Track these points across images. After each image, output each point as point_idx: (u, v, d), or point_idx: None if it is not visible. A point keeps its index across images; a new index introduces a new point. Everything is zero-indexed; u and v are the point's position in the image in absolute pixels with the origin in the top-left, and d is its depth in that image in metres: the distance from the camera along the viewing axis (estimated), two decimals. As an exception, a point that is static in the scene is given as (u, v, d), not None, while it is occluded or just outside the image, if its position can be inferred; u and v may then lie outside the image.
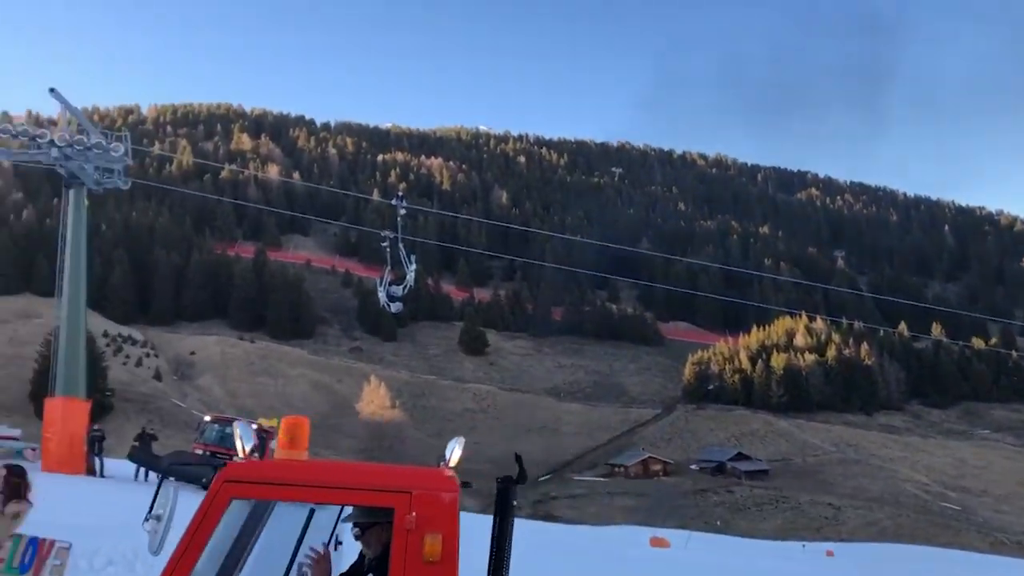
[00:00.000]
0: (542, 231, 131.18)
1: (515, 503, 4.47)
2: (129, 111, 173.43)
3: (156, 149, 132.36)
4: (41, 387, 64.93)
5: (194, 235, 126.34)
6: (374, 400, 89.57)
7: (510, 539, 4.40)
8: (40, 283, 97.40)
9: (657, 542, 28.75)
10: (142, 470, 28.69)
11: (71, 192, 31.20)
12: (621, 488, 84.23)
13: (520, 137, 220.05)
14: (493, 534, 4.43)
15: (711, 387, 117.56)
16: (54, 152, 29.65)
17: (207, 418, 32.00)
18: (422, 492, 4.01)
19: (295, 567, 4.73)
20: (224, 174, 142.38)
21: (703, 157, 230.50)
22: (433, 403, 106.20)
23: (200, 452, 28.89)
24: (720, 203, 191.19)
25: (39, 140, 30.38)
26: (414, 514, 3.96)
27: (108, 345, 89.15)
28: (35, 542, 8.01)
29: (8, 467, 8.40)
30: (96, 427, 30.07)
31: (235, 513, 4.17)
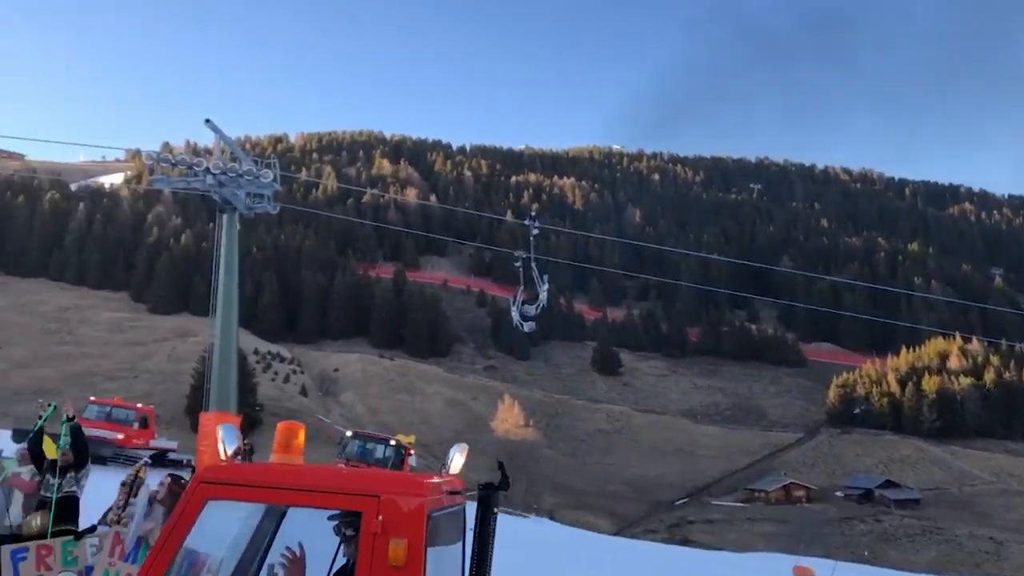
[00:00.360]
0: (677, 249, 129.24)
1: (496, 510, 4.41)
2: (278, 139, 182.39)
3: (303, 175, 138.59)
4: (196, 401, 68.65)
5: (338, 257, 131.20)
6: (508, 419, 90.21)
7: (491, 546, 4.35)
8: (197, 303, 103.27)
9: (802, 571, 27.55)
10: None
11: (224, 217, 32.87)
12: (761, 514, 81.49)
13: (654, 155, 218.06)
14: (474, 540, 4.39)
15: (857, 411, 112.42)
16: (209, 179, 31.30)
17: (349, 433, 33.00)
18: (389, 497, 4.00)
19: (265, 568, 4.70)
20: (366, 198, 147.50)
21: (847, 172, 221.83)
22: (567, 423, 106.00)
23: (343, 466, 29.85)
24: (865, 219, 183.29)
25: (196, 168, 32.19)
26: (380, 518, 3.95)
27: (258, 362, 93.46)
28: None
29: (172, 476, 8.92)
30: (245, 440, 31.38)
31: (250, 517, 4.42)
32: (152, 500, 8.57)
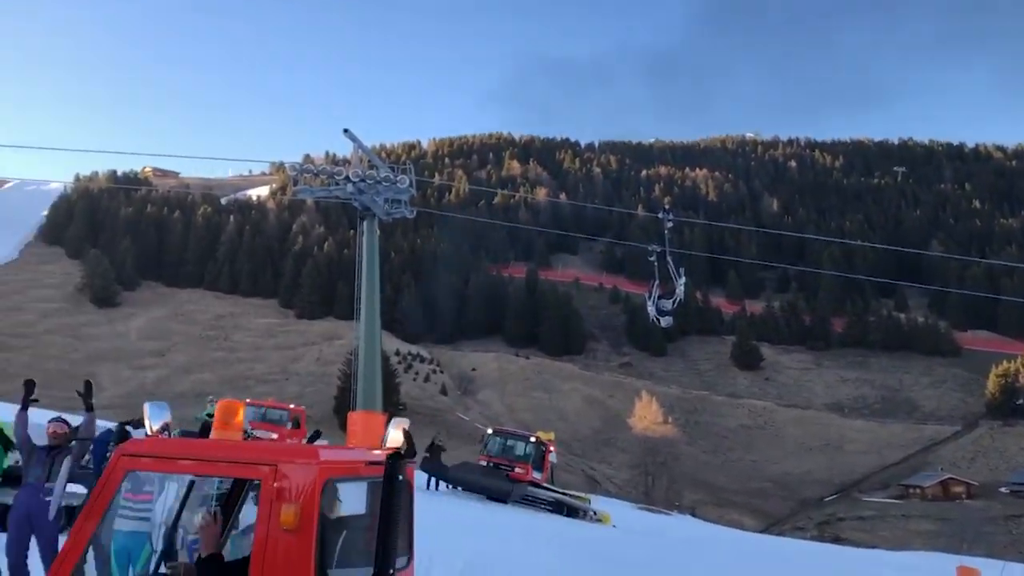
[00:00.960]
0: (818, 237, 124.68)
1: (401, 478, 4.50)
2: (411, 146, 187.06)
3: (436, 180, 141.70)
4: (344, 402, 71.30)
5: (471, 258, 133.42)
6: (646, 415, 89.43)
7: (396, 515, 4.46)
8: (341, 307, 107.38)
9: (967, 572, 26.05)
10: (433, 479, 30.60)
11: (365, 223, 34.12)
12: (917, 511, 77.62)
13: (790, 141, 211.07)
14: (380, 510, 4.49)
15: (1020, 401, 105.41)
16: (349, 187, 32.53)
17: (489, 431, 33.52)
18: (284, 466, 4.27)
19: (180, 532, 5.00)
20: (497, 199, 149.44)
21: (1000, 149, 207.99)
22: (706, 419, 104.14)
23: (484, 463, 30.37)
24: (1023, 198, 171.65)
25: (337, 177, 33.57)
26: (275, 485, 4.25)
27: (400, 363, 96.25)
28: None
29: None
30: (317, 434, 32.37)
31: None
32: None
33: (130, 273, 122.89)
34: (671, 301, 26.90)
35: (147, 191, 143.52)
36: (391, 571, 4.50)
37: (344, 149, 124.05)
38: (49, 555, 7.59)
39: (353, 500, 4.96)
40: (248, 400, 38.61)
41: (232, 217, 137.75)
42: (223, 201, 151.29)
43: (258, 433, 31.96)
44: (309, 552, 4.16)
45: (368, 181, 32.47)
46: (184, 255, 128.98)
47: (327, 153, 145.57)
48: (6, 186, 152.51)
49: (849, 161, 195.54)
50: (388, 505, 4.50)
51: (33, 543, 7.84)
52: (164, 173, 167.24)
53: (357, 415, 31.79)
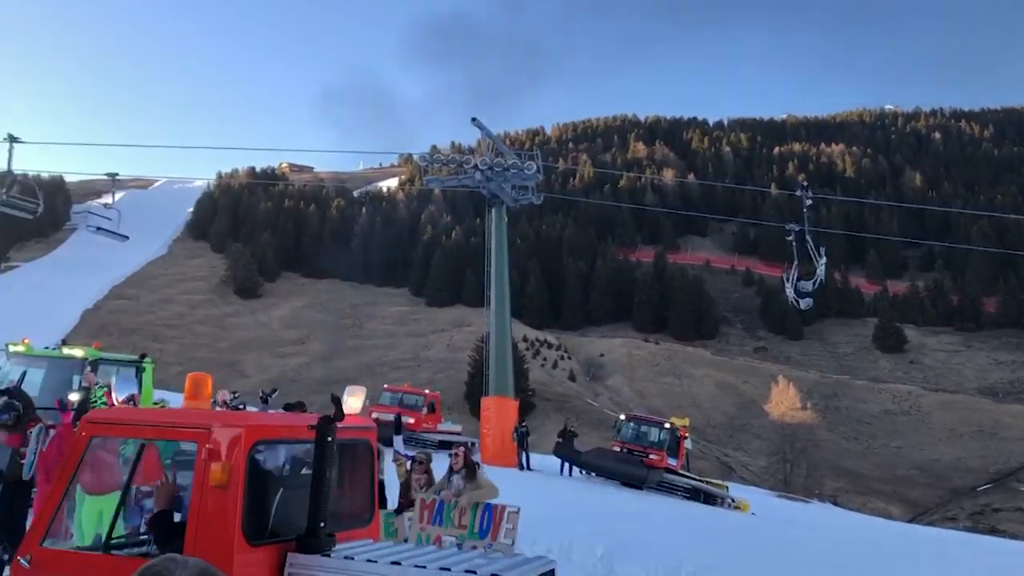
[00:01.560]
0: (966, 211, 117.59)
1: (331, 440, 4.99)
2: (535, 133, 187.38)
3: (560, 165, 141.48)
4: (474, 388, 72.34)
5: (597, 243, 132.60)
6: (783, 401, 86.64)
7: (327, 474, 4.94)
8: (469, 295, 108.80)
9: None
10: (566, 465, 30.56)
11: (493, 210, 34.40)
12: (1084, 503, 72.50)
13: (933, 112, 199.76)
14: (313, 470, 5.02)
15: None
16: (477, 176, 32.92)
17: (622, 417, 33.22)
18: (216, 430, 4.87)
19: (134, 493, 5.47)
20: (622, 182, 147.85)
21: None
22: (847, 404, 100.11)
23: (617, 449, 30.13)
24: None
25: (465, 166, 33.96)
26: (207, 446, 4.82)
27: (527, 349, 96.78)
28: (490, 508, 8.91)
29: (465, 447, 9.64)
30: (523, 423, 32.60)
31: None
32: (451, 469, 9.26)
33: (270, 265, 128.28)
34: (811, 282, 25.85)
35: (284, 186, 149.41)
36: (321, 526, 4.92)
37: (470, 138, 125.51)
38: None
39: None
40: (385, 385, 39.73)
41: (364, 209, 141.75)
42: (355, 193, 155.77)
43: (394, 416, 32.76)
44: (236, 506, 4.72)
45: (496, 169, 32.73)
46: (320, 246, 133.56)
47: (453, 143, 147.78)
48: (155, 185, 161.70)
49: (1000, 130, 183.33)
50: (319, 465, 4.99)
51: None
52: (300, 168, 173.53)
53: (490, 400, 32.21)
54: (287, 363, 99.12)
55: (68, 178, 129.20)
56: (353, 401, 6.06)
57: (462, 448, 10.00)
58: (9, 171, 26.16)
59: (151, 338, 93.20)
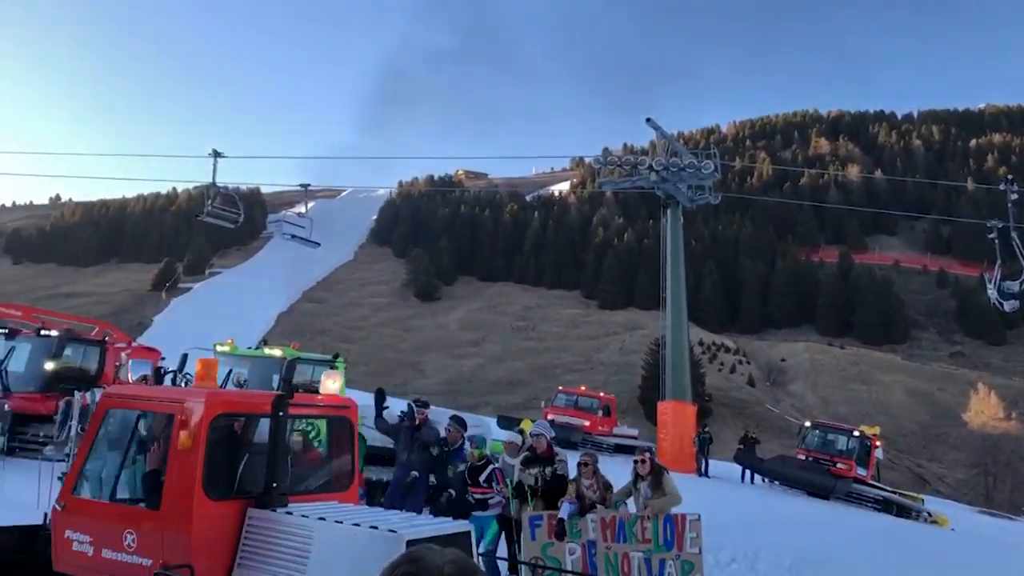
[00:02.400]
0: None
1: (283, 414, 5.98)
2: (710, 131, 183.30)
3: (737, 163, 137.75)
4: (648, 391, 71.57)
5: (777, 243, 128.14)
6: (984, 410, 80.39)
7: (281, 444, 6.00)
8: (641, 297, 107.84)
9: None
10: (747, 472, 29.66)
11: (668, 211, 33.93)
12: None
13: None
14: (269, 440, 6.00)
15: None
16: (652, 176, 32.57)
17: (807, 424, 31.90)
18: (187, 403, 5.99)
19: (131, 457, 6.50)
20: (803, 180, 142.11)
21: None
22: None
23: (803, 458, 28.94)
24: None
25: (640, 167, 33.67)
26: (179, 418, 5.90)
27: (703, 353, 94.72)
28: (670, 518, 8.77)
29: (651, 452, 9.53)
30: (705, 428, 31.91)
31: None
32: (637, 475, 9.10)
33: (448, 269, 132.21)
34: (1018, 282, 24.00)
35: (460, 192, 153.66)
36: (274, 487, 5.91)
37: (642, 140, 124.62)
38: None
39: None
40: (561, 388, 39.95)
41: (536, 213, 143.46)
42: (528, 198, 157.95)
43: (570, 420, 32.91)
44: (198, 466, 5.74)
45: (671, 169, 32.27)
46: (494, 250, 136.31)
47: (625, 145, 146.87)
48: (342, 195, 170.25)
49: None
50: (273, 436, 6.01)
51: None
52: (475, 175, 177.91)
53: (667, 405, 31.76)
54: (464, 364, 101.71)
55: (263, 189, 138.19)
56: (331, 383, 7.25)
57: (647, 453, 9.85)
58: (213, 184, 28.22)
59: (339, 339, 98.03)
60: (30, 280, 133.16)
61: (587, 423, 33.76)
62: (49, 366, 18.32)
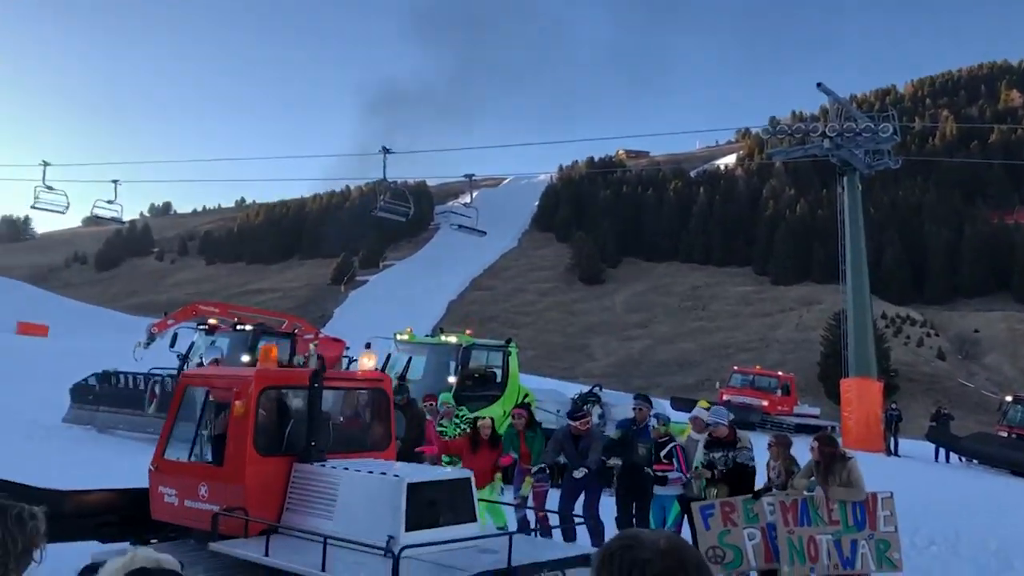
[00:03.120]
0: None
1: (317, 386, 7.34)
2: (885, 92, 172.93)
3: (916, 124, 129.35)
4: (828, 369, 68.69)
5: (964, 207, 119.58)
6: None
7: (318, 411, 7.36)
8: (818, 271, 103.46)
9: None
10: (942, 451, 27.94)
11: (844, 179, 32.30)
12: None
13: None
14: (307, 408, 7.37)
15: None
16: (826, 143, 31.07)
17: (1009, 398, 29.75)
18: (242, 381, 7.39)
19: (204, 427, 7.70)
20: (993, 137, 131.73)
21: None
22: None
23: (1004, 435, 27.01)
24: None
25: (812, 135, 32.24)
26: (235, 390, 7.25)
27: (887, 326, 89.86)
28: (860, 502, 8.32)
29: (819, 437, 9.07)
30: (893, 405, 30.33)
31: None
32: (817, 463, 8.65)
33: (612, 251, 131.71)
34: None
35: (622, 172, 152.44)
36: (312, 445, 7.18)
37: (811, 106, 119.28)
38: (589, 509, 9.87)
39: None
40: (735, 367, 39.00)
41: (702, 189, 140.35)
42: (692, 174, 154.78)
43: (747, 400, 32.09)
44: (249, 430, 7.05)
45: (846, 134, 30.68)
46: (659, 230, 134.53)
47: (793, 112, 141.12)
48: (504, 182, 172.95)
49: None
50: (311, 404, 7.28)
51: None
52: (636, 154, 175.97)
53: (851, 382, 30.31)
54: (632, 346, 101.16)
55: (429, 182, 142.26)
56: (367, 361, 8.54)
57: (817, 441, 9.38)
58: (384, 180, 29.24)
59: (507, 325, 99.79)
60: (222, 279, 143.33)
61: (765, 403, 32.79)
62: (245, 359, 19.69)
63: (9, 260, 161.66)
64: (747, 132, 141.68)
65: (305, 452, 7.21)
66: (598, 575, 1.61)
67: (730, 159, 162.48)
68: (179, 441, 7.82)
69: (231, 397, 7.28)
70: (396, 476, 6.72)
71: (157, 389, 17.86)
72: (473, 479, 7.43)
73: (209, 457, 7.50)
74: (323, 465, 7.11)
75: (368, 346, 19.61)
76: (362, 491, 6.77)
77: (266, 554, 6.33)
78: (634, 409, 10.41)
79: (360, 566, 5.99)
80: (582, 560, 6.66)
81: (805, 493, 8.40)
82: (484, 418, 11.12)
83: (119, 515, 7.72)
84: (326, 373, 7.84)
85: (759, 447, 9.70)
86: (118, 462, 13.49)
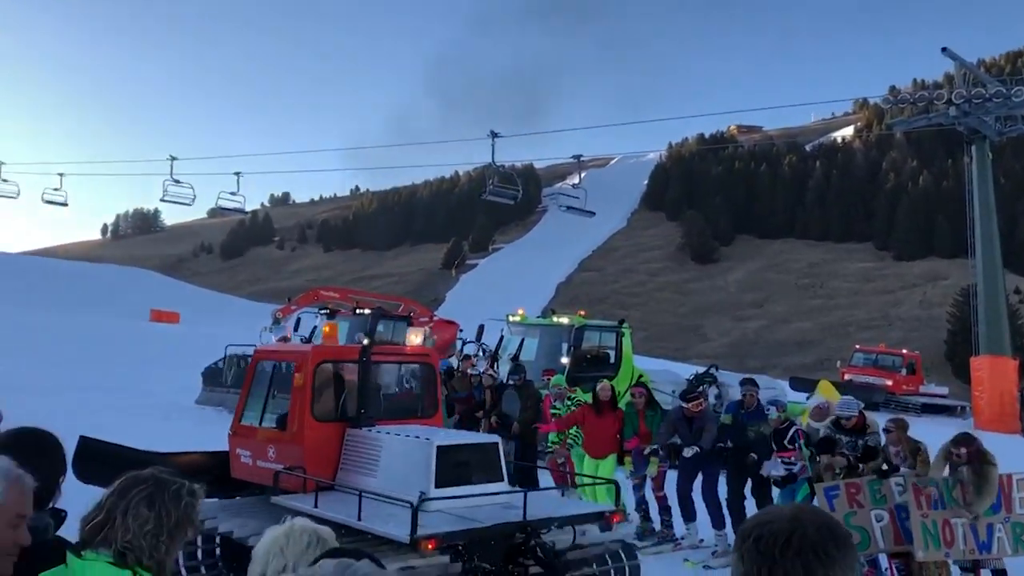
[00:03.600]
0: None
1: (366, 359, 8.30)
2: (1017, 54, 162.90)
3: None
4: (955, 347, 65.66)
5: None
6: None
7: (367, 382, 8.32)
8: (942, 245, 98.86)
9: None
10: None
11: (972, 148, 30.70)
12: None
13: None
14: (358, 379, 8.30)
15: None
16: (951, 111, 29.58)
17: None
18: (301, 355, 8.56)
19: (272, 396, 8.73)
20: None
21: None
22: None
23: None
24: None
25: (936, 103, 30.71)
26: (295, 362, 8.44)
27: (1021, 302, 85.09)
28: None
29: (896, 420, 8.75)
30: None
31: None
32: (952, 464, 8.19)
33: (724, 229, 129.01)
34: None
35: (734, 148, 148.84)
36: (362, 412, 8.08)
37: (934, 73, 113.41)
38: (709, 490, 9.90)
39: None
40: (857, 346, 37.74)
41: (818, 163, 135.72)
42: (807, 148, 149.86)
43: (870, 380, 31.03)
44: (307, 398, 8.06)
45: (975, 101, 29.09)
46: (773, 206, 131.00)
47: (915, 80, 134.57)
48: (612, 162, 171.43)
49: None
50: (362, 375, 8.18)
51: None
52: (748, 129, 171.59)
53: (982, 360, 28.89)
54: (747, 326, 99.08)
55: (537, 164, 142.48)
56: (414, 338, 9.48)
57: (894, 423, 8.91)
58: (492, 164, 29.45)
59: (617, 306, 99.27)
60: (339, 265, 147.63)
61: (889, 382, 31.60)
62: (365, 342, 20.32)
63: (142, 251, 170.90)
64: (865, 103, 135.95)
65: (356, 418, 8.14)
66: (749, 559, 1.54)
67: (847, 131, 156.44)
68: (252, 409, 8.88)
69: (292, 370, 8.38)
70: (427, 439, 7.59)
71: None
72: (500, 445, 8.24)
73: (275, 423, 8.38)
74: (370, 430, 8.05)
75: (481, 328, 20.02)
76: (400, 452, 7.68)
77: (315, 506, 7.11)
78: (743, 394, 10.21)
79: (391, 517, 6.81)
80: (595, 517, 7.79)
81: (938, 475, 8.09)
82: (603, 382, 11.20)
83: (211, 475, 8.40)
84: (377, 347, 9.08)
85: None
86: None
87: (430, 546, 6.47)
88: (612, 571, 7.62)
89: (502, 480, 7.82)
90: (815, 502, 9.16)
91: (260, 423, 8.65)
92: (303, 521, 2.40)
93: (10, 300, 60.50)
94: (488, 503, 7.33)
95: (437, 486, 7.21)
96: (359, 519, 6.82)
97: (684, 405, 10.16)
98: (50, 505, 2.80)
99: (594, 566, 7.51)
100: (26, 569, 2.33)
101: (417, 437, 7.71)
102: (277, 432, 8.26)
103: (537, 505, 7.24)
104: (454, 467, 7.49)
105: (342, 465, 8.04)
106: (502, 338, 18.13)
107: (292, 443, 8.06)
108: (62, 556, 2.38)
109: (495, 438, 8.55)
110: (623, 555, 7.72)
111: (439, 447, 7.42)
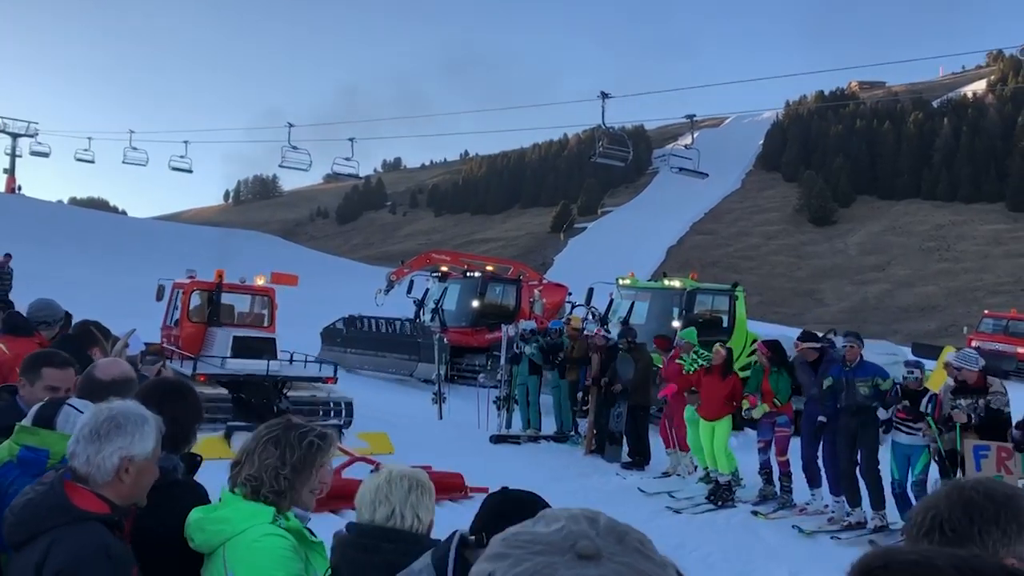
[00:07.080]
0: None
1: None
2: None
3: None
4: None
5: None
6: None
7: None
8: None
9: None
10: None
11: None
12: None
13: None
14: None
15: None
16: (1098, 60, 27.58)
17: None
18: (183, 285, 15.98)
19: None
20: None
21: None
22: None
23: None
24: None
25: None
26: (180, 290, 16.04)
27: None
28: None
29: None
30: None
31: None
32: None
33: (844, 190, 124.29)
34: None
35: (855, 106, 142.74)
36: (214, 320, 14.95)
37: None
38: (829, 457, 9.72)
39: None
40: (986, 312, 35.92)
41: (946, 120, 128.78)
42: (935, 104, 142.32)
43: (999, 347, 29.53)
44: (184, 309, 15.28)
45: None
46: (897, 166, 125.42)
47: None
48: (726, 122, 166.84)
49: None
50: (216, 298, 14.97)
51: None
52: (871, 85, 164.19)
53: None
54: (867, 290, 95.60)
55: (648, 125, 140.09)
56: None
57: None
58: (602, 125, 29.11)
59: (730, 270, 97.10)
60: (449, 229, 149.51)
61: (1021, 350, 30.00)
62: (475, 304, 20.76)
63: (261, 216, 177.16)
64: (999, 54, 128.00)
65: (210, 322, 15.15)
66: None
67: (979, 85, 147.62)
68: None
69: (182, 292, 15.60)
70: (232, 335, 14.31)
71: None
72: (275, 340, 14.31)
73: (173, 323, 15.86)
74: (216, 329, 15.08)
75: (590, 291, 20.03)
76: (222, 339, 14.48)
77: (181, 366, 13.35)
78: (844, 346, 9.75)
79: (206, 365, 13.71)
80: (320, 380, 14.33)
81: None
82: (716, 346, 11.12)
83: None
84: (226, 284, 15.73)
85: (1015, 397, 8.94)
86: (363, 396, 14.69)
87: (201, 379, 12.25)
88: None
89: (275, 359, 13.42)
90: (937, 473, 8.87)
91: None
92: (400, 467, 2.61)
93: (147, 261, 63.70)
94: (257, 368, 13.04)
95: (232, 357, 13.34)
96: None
97: (799, 344, 10.08)
98: (185, 449, 3.01)
99: (320, 412, 12.83)
100: (161, 503, 2.55)
101: (230, 333, 14.04)
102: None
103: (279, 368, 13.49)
104: (244, 348, 13.54)
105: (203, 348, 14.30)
106: (611, 302, 18.06)
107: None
108: (194, 494, 2.72)
109: (272, 334, 14.43)
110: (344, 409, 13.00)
111: (235, 337, 13.84)
